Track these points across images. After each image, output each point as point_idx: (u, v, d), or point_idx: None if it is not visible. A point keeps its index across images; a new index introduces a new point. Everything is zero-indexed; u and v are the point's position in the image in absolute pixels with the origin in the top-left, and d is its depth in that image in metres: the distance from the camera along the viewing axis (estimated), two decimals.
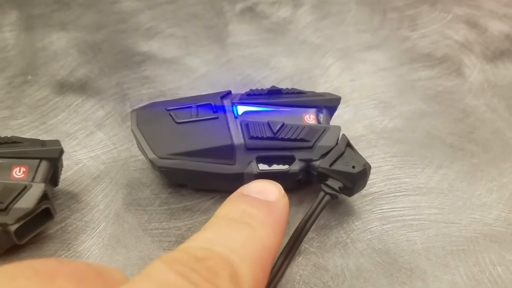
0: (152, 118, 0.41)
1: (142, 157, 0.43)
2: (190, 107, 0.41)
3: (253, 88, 0.43)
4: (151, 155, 0.38)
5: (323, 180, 0.38)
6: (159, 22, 0.62)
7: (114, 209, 0.39)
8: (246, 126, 0.39)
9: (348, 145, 0.39)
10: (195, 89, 0.52)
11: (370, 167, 0.38)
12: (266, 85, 0.53)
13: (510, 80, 0.53)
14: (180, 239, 0.37)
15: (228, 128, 0.39)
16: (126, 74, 0.54)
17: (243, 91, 0.47)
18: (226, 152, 0.38)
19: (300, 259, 0.36)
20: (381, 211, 0.40)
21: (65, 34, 0.60)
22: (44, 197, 0.35)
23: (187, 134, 0.39)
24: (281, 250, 0.35)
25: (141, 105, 0.43)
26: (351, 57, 0.57)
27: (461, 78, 0.53)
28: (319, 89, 0.52)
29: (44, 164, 0.36)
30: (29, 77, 0.53)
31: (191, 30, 0.61)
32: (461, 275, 0.35)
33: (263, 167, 0.38)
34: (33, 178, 0.36)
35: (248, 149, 0.38)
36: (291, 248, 0.35)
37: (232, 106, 0.41)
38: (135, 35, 0.60)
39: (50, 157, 0.37)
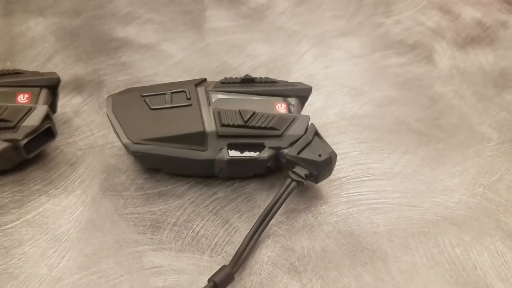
0: (127, 103, 0.42)
1: (118, 143, 0.45)
2: (165, 93, 0.42)
3: (228, 75, 0.45)
4: (125, 140, 0.39)
5: (292, 167, 0.39)
6: (137, 7, 0.63)
7: (91, 194, 0.41)
8: (218, 114, 0.40)
9: (316, 134, 0.41)
10: (171, 76, 0.53)
11: (336, 155, 0.40)
12: (242, 72, 0.54)
13: (479, 66, 0.55)
14: (155, 224, 0.39)
15: (201, 115, 0.40)
16: (103, 60, 0.54)
17: (218, 78, 0.48)
18: (198, 138, 0.40)
19: (269, 241, 0.38)
20: (347, 195, 0.41)
21: (43, 20, 0.60)
22: (47, 117, 0.41)
23: (161, 120, 0.40)
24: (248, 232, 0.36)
25: (117, 91, 0.44)
26: (325, 44, 0.58)
27: (431, 65, 0.55)
28: (293, 76, 0.53)
29: (44, 91, 0.42)
30: (8, 63, 0.54)
31: (169, 16, 0.62)
32: (420, 256, 0.37)
33: (233, 153, 0.40)
34: (36, 102, 0.41)
35: (220, 136, 0.40)
36: (256, 229, 0.36)
37: (206, 93, 0.42)
38: (112, 20, 0.60)
39: (49, 85, 0.43)
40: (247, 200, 0.41)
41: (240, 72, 0.54)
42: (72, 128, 0.46)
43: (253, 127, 0.40)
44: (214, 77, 0.53)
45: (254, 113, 0.40)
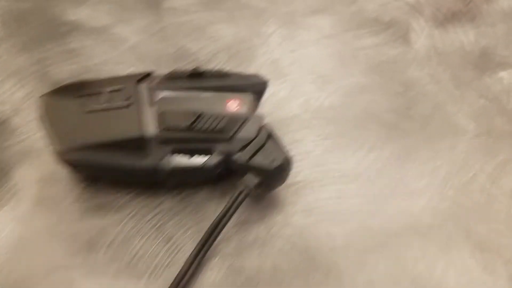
0: (60, 105, 0.38)
1: None
2: (102, 92, 0.38)
3: (186, 62, 0.40)
4: (57, 148, 0.36)
5: (242, 175, 0.36)
6: None
7: (24, 208, 0.37)
8: (160, 116, 0.36)
9: (270, 136, 0.37)
10: (123, 64, 0.48)
11: (290, 160, 0.36)
12: (201, 58, 0.49)
13: (459, 46, 0.50)
14: (90, 243, 0.35)
15: (141, 117, 0.37)
16: (50, 47, 0.50)
17: (176, 65, 0.44)
18: (137, 144, 0.36)
19: (216, 260, 0.35)
20: (305, 202, 0.38)
21: None
22: None
23: (96, 124, 0.36)
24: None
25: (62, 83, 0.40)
26: (294, 23, 0.53)
27: (406, 45, 0.50)
28: (257, 62, 0.49)
29: None
30: None
31: None
32: (378, 274, 0.34)
33: (178, 161, 0.36)
34: None
35: (162, 141, 0.36)
36: (200, 249, 0.33)
37: (148, 91, 0.38)
38: (64, 1, 0.55)
39: None
40: (195, 212, 0.37)
41: (199, 58, 0.49)
42: (9, 129, 0.42)
43: (199, 131, 0.36)
44: (170, 64, 0.48)
45: (200, 114, 0.36)
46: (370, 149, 0.41)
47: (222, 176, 0.38)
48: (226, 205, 0.35)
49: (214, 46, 0.51)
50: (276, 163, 0.35)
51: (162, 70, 0.47)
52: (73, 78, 0.47)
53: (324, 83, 0.47)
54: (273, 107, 0.45)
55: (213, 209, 0.37)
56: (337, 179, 0.39)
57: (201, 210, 0.37)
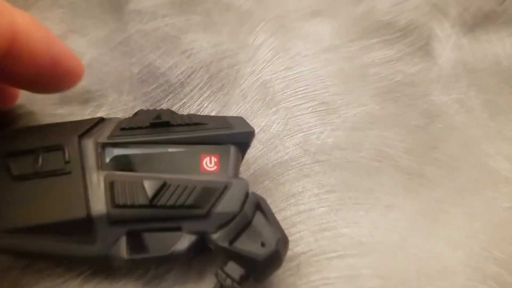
0: None
1: None
2: (34, 150, 0.28)
3: (154, 85, 0.30)
4: None
5: (222, 263, 0.27)
6: None
7: None
8: (110, 187, 0.27)
9: (259, 208, 0.28)
10: (75, 91, 0.39)
11: (286, 241, 0.27)
12: (173, 79, 0.40)
13: (494, 60, 0.41)
14: None
15: (85, 189, 0.27)
16: None
17: (141, 89, 0.35)
18: (80, 227, 0.27)
19: None
20: (307, 285, 0.29)
21: None
22: None
23: (27, 197, 0.27)
24: None
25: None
26: (288, 30, 0.43)
27: (428, 60, 0.41)
28: (244, 84, 0.39)
29: None
30: None
31: None
32: None
33: (134, 248, 0.27)
34: None
35: (114, 221, 0.27)
36: None
37: (95, 149, 0.29)
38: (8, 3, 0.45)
39: None
40: None
41: (171, 80, 0.40)
42: None
43: (163, 206, 0.27)
44: (134, 89, 0.39)
45: (164, 183, 0.27)
46: (388, 206, 0.32)
47: (196, 255, 0.29)
48: None
49: (189, 63, 0.41)
50: (268, 249, 0.26)
51: (124, 97, 0.39)
52: (14, 114, 0.37)
53: (327, 114, 0.37)
54: (263, 148, 0.36)
55: None
56: (349, 250, 0.30)
57: None
